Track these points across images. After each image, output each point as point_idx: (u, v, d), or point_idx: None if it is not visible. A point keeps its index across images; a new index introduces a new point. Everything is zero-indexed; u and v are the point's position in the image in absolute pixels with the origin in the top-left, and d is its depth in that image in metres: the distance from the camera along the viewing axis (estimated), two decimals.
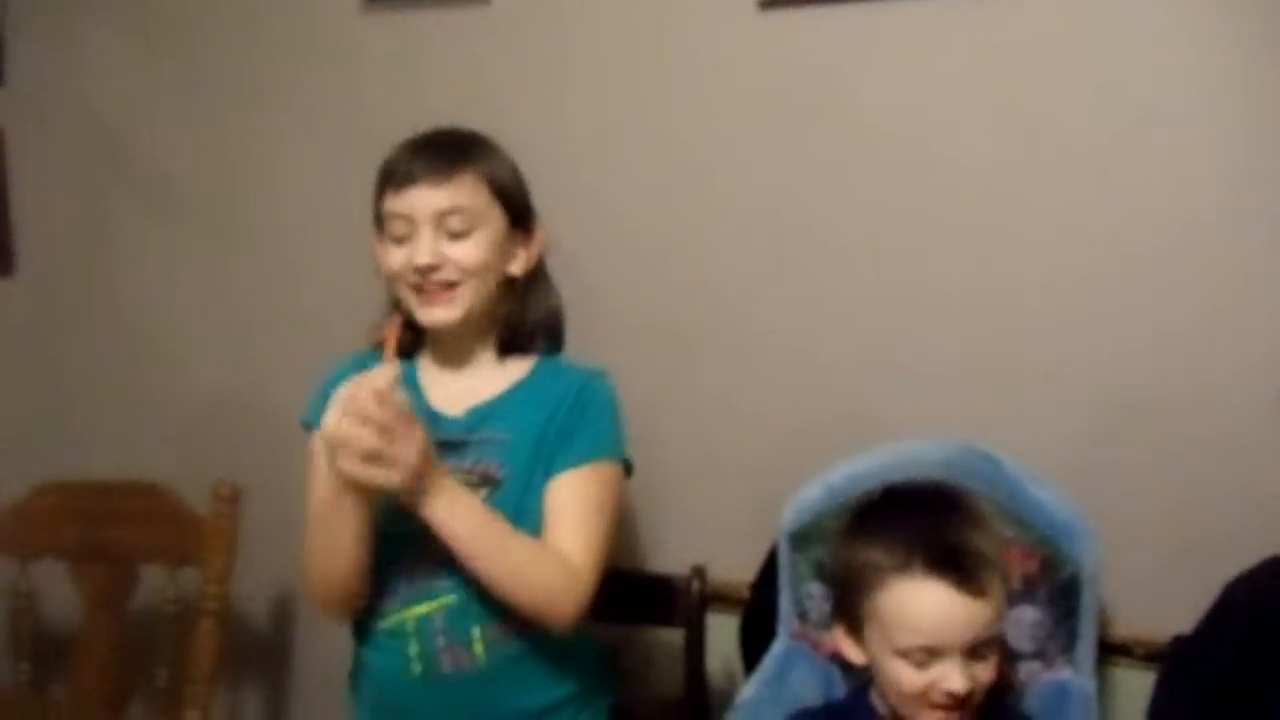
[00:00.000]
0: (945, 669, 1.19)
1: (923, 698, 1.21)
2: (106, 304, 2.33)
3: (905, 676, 1.21)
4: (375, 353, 1.37)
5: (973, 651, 1.19)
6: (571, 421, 1.40)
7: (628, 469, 1.46)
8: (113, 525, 1.96)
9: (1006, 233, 1.62)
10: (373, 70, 2.01)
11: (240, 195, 2.19)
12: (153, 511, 1.95)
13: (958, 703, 1.20)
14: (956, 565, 1.19)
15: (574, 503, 1.38)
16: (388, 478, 1.25)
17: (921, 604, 1.19)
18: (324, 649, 2.06)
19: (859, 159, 1.69)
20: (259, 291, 2.20)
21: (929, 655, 1.19)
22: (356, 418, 1.23)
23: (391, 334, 1.32)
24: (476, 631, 1.38)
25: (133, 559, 1.96)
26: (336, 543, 1.35)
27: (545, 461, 1.39)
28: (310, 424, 1.46)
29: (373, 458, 1.23)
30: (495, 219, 1.39)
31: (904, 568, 1.20)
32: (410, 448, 1.25)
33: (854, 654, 1.29)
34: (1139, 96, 1.53)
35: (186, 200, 2.26)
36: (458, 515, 1.31)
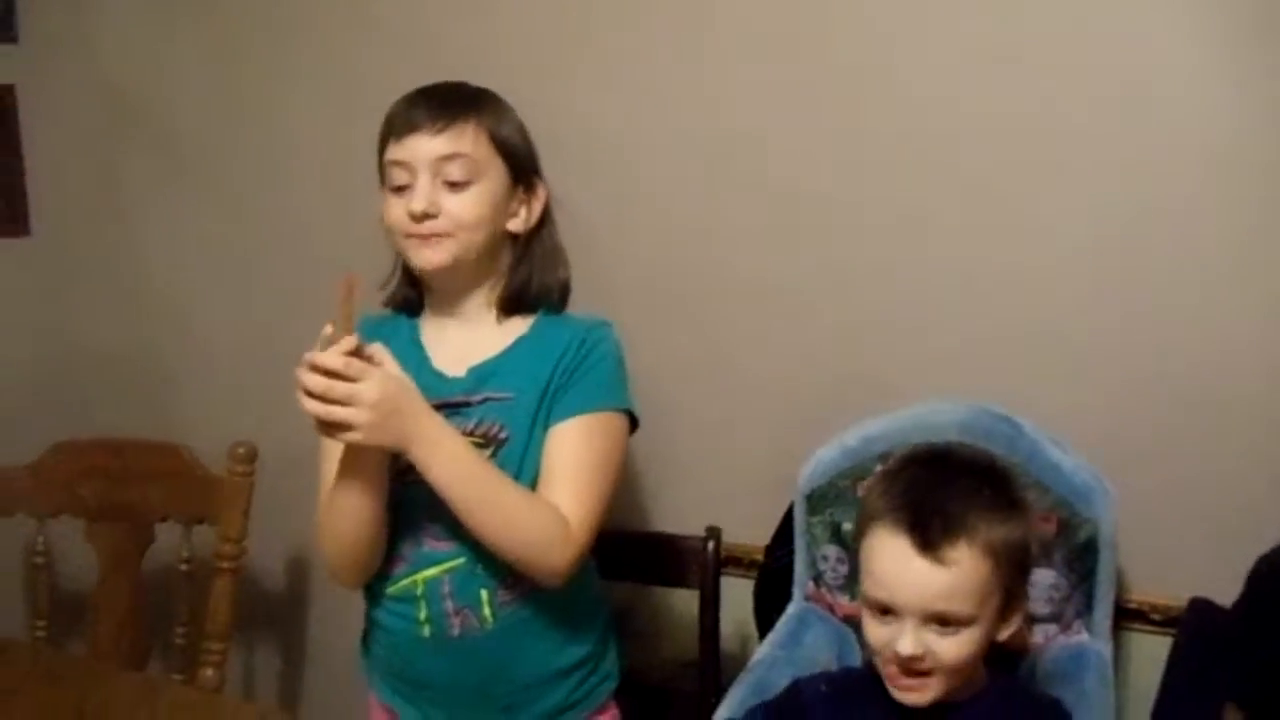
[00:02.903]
0: (900, 629, 1.17)
1: (881, 654, 1.20)
2: (120, 264, 2.33)
3: (869, 627, 1.21)
4: (374, 314, 1.40)
5: (933, 621, 1.16)
6: (572, 371, 1.37)
7: (633, 423, 1.42)
8: (129, 484, 1.97)
9: (1027, 196, 1.60)
10: (383, 29, 1.99)
11: (253, 154, 2.18)
12: (169, 471, 1.96)
13: (911, 668, 1.17)
14: (924, 527, 1.16)
15: (572, 454, 1.35)
16: (349, 436, 1.23)
17: (882, 555, 1.18)
18: (338, 608, 2.06)
19: (877, 119, 1.66)
20: (272, 251, 2.19)
21: (888, 611, 1.18)
22: (301, 390, 1.23)
23: (343, 292, 1.24)
24: (484, 594, 1.37)
25: (148, 518, 1.97)
26: (351, 514, 1.34)
27: (547, 415, 1.36)
28: None
29: (327, 422, 1.22)
30: (496, 172, 1.36)
31: (884, 516, 1.19)
32: (356, 406, 1.21)
33: (860, 603, 1.28)
34: (1164, 60, 1.51)
35: (199, 159, 2.25)
36: (440, 462, 1.28)
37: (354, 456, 1.31)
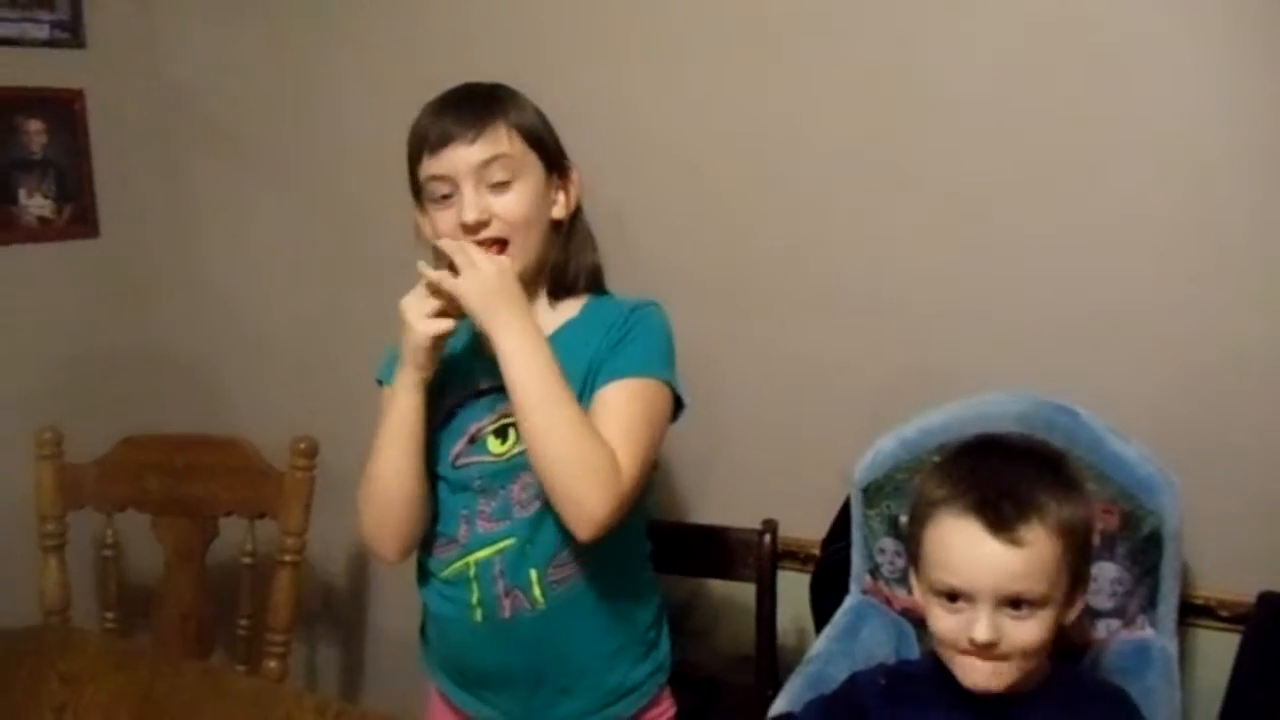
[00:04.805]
0: (973, 615, 1.15)
1: (952, 644, 1.18)
2: (187, 264, 2.39)
3: (938, 618, 1.19)
4: None
5: (1007, 604, 1.14)
6: (616, 343, 1.38)
7: (678, 405, 1.41)
8: (194, 479, 2.01)
9: (1086, 184, 1.57)
10: (440, 22, 2.02)
11: (316, 154, 2.22)
12: (232, 465, 1.99)
13: (987, 654, 1.15)
14: (996, 509, 1.14)
15: (616, 411, 1.33)
16: (456, 285, 1.30)
17: (953, 541, 1.16)
18: (398, 599, 2.09)
19: (933, 109, 1.65)
20: (335, 250, 2.23)
21: (959, 598, 1.16)
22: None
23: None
24: (534, 574, 1.38)
25: (213, 512, 2.01)
26: (389, 467, 1.37)
27: (593, 389, 1.36)
28: (383, 381, 1.47)
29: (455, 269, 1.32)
30: (533, 167, 1.38)
31: (949, 503, 1.17)
32: (477, 273, 1.30)
33: (920, 595, 1.26)
34: (1216, 47, 1.48)
35: (262, 161, 2.29)
36: (525, 350, 1.29)
37: (399, 403, 1.35)
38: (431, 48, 2.02)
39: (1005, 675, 1.16)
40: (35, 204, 2.21)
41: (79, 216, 2.27)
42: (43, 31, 2.19)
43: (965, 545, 1.16)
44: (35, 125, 2.20)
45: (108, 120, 2.27)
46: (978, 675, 1.17)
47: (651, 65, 1.84)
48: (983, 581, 1.15)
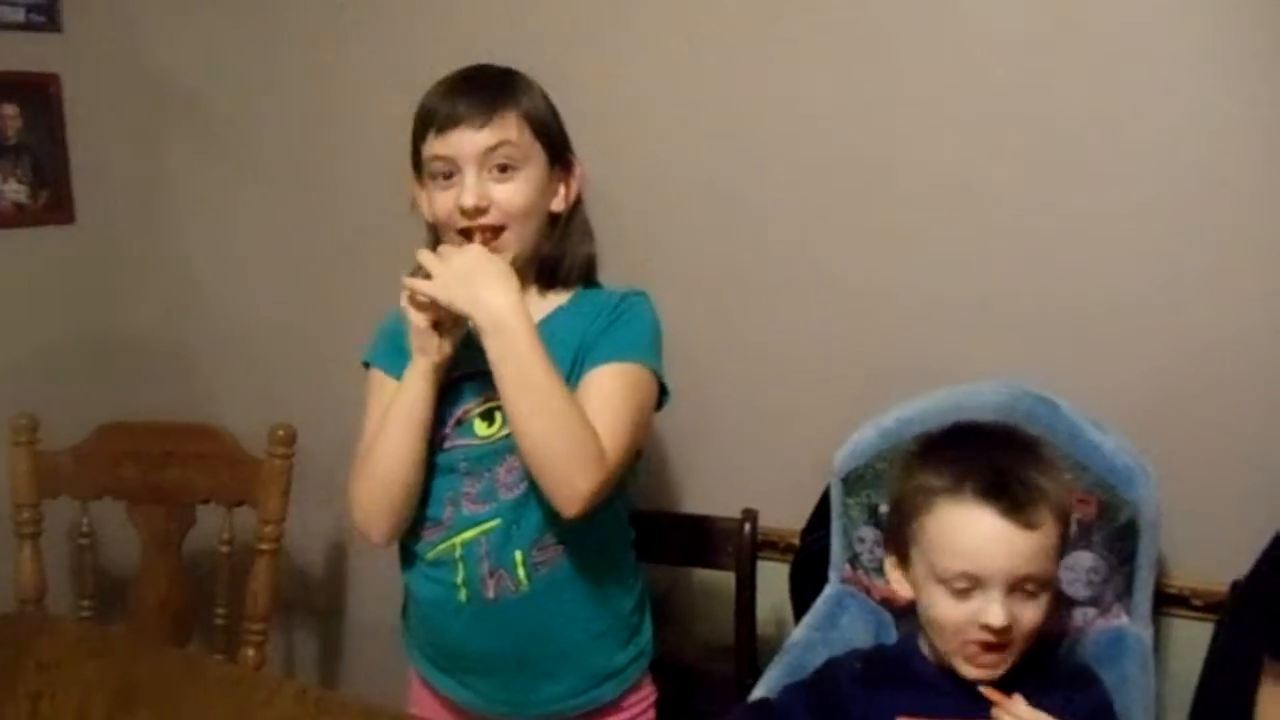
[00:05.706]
0: (985, 601, 1.16)
1: (961, 633, 1.18)
2: (163, 250, 2.37)
3: (944, 607, 1.19)
4: None
5: (1016, 587, 1.16)
6: (605, 328, 1.39)
7: (663, 393, 1.42)
8: (170, 466, 1.99)
9: (1068, 175, 1.58)
10: (424, 12, 2.01)
11: (296, 140, 2.20)
12: (209, 453, 1.98)
13: (996, 641, 1.16)
14: (1007, 493, 1.16)
15: (604, 392, 1.34)
16: (430, 288, 1.31)
17: (965, 527, 1.17)
18: (376, 587, 2.09)
19: (919, 97, 1.65)
20: (313, 237, 2.22)
21: (970, 584, 1.16)
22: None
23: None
24: (519, 555, 1.38)
25: (190, 500, 1.99)
26: (393, 450, 1.37)
27: (580, 375, 1.37)
28: (369, 363, 1.48)
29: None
30: (537, 157, 1.38)
31: (953, 491, 1.18)
32: (447, 268, 1.30)
33: (902, 587, 1.27)
34: (1210, 40, 1.49)
35: (240, 146, 2.28)
36: (505, 328, 1.28)
37: (409, 389, 1.36)
38: (419, 35, 2.01)
39: (1006, 663, 1.18)
40: (10, 189, 2.19)
41: (55, 202, 2.25)
42: (18, 15, 2.16)
43: (979, 531, 1.16)
44: (10, 110, 2.18)
45: (84, 105, 2.25)
46: (984, 668, 1.18)
47: (643, 54, 1.84)
48: (998, 565, 1.15)
